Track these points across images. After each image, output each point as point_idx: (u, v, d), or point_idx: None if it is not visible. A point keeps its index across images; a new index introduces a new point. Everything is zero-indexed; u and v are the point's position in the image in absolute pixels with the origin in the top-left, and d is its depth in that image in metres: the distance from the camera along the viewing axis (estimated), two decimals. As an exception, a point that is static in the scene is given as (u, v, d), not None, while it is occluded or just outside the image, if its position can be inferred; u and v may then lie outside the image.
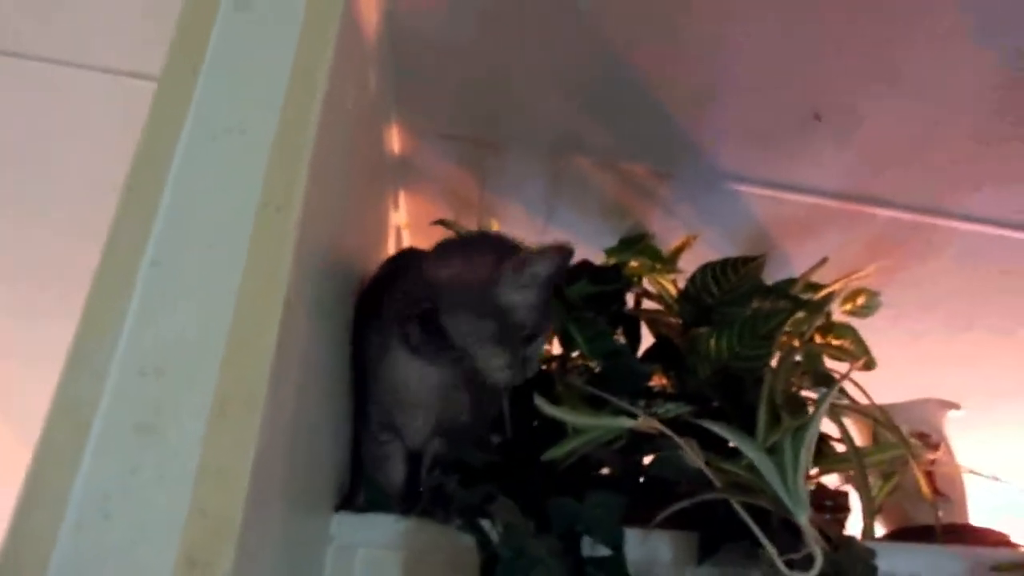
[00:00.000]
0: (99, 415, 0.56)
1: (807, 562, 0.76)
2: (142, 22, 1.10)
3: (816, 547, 0.77)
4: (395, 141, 1.26)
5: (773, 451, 0.81)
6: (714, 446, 0.87)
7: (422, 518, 0.90)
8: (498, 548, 0.78)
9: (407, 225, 1.41)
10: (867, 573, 0.86)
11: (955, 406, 1.31)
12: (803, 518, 0.78)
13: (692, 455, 0.82)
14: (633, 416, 0.85)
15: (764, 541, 0.78)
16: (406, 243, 1.44)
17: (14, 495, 0.54)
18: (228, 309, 0.60)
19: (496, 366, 0.89)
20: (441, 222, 1.22)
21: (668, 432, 0.81)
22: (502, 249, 0.90)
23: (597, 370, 1.07)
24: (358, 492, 0.99)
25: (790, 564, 0.77)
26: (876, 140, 1.17)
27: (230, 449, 0.56)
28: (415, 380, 0.94)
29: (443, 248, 0.96)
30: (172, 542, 0.52)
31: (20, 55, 1.18)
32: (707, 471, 0.83)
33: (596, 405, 0.93)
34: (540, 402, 0.85)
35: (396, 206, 1.37)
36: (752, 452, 0.81)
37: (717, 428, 0.82)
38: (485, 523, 0.83)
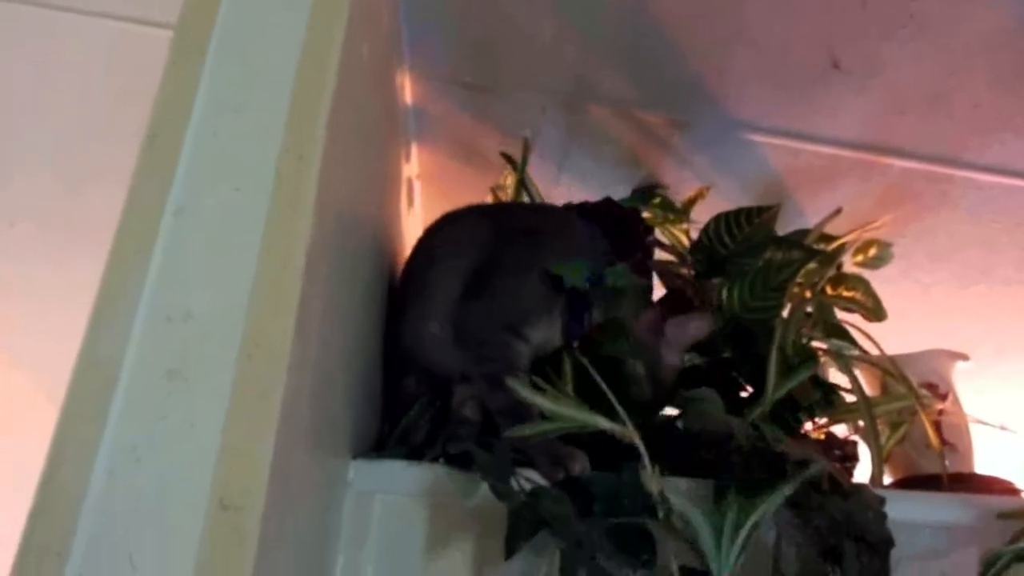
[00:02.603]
0: (127, 362, 0.57)
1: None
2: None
3: None
4: (407, 90, 1.25)
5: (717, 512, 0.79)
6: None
7: (443, 466, 0.91)
8: (552, 531, 0.77)
9: (419, 176, 1.40)
10: (877, 520, 0.87)
11: (964, 357, 1.32)
12: None
13: (648, 480, 0.80)
14: (613, 418, 0.83)
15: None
16: (418, 195, 1.43)
17: (35, 441, 0.54)
18: (252, 254, 0.60)
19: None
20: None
21: (640, 447, 0.80)
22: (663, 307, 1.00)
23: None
24: (385, 439, 1.00)
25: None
26: (895, 88, 1.16)
27: (258, 393, 0.56)
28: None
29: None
30: (204, 486, 0.53)
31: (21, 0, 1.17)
32: (657, 499, 0.81)
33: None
34: (515, 384, 0.84)
35: (408, 157, 1.36)
36: (696, 516, 0.79)
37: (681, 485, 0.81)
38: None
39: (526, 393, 0.83)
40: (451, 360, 0.98)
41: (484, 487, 0.85)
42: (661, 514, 0.77)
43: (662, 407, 0.98)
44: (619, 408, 0.82)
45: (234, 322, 0.58)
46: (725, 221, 1.14)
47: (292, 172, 0.64)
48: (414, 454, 0.97)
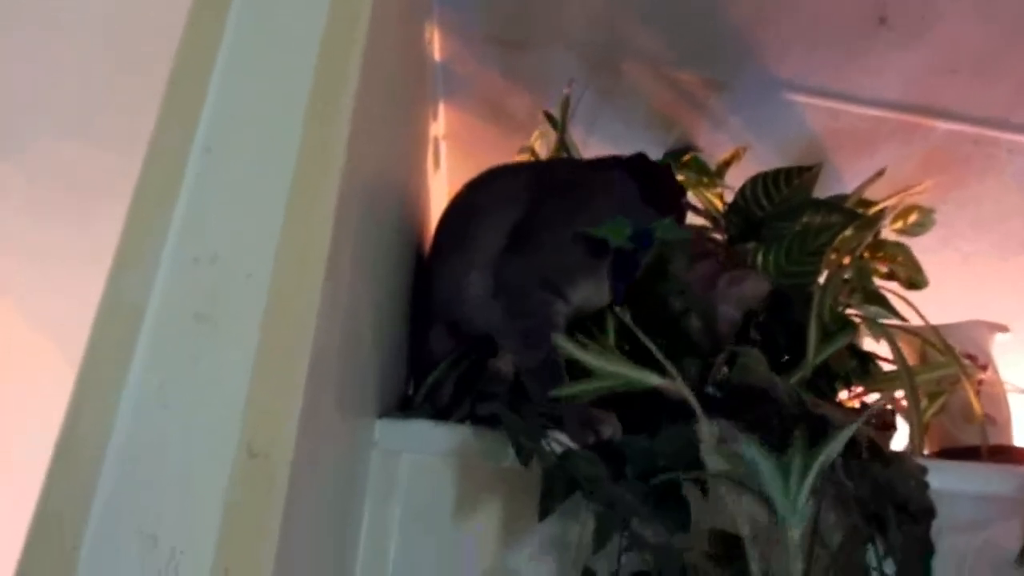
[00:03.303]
0: (152, 304, 0.55)
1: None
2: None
3: (799, 564, 0.72)
4: (435, 47, 1.21)
5: (782, 459, 0.75)
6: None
7: (471, 426, 0.89)
8: (585, 493, 0.76)
9: (445, 136, 1.37)
10: (919, 488, 0.85)
11: (1004, 329, 1.28)
12: (795, 532, 0.73)
13: (705, 429, 0.77)
14: (662, 374, 0.81)
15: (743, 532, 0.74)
16: (444, 155, 1.40)
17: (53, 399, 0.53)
18: (282, 196, 0.58)
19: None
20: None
21: (693, 402, 0.77)
22: (721, 259, 0.99)
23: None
24: (411, 398, 0.99)
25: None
26: (944, 46, 1.11)
27: (287, 338, 0.54)
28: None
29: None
30: (232, 432, 0.52)
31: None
32: (713, 448, 0.78)
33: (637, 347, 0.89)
34: (558, 339, 0.82)
35: (435, 116, 1.33)
36: (761, 459, 0.75)
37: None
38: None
39: (571, 348, 0.81)
40: (488, 315, 0.95)
41: (512, 448, 0.83)
42: (712, 466, 0.74)
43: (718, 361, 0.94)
44: (668, 364, 0.79)
45: (263, 265, 0.56)
46: (763, 182, 1.10)
47: (323, 111, 0.62)
48: (440, 414, 0.96)
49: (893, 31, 1.09)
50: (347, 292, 0.67)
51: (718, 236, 1.18)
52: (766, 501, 0.76)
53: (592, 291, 0.93)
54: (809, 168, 1.09)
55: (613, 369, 0.80)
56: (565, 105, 1.22)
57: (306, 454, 0.56)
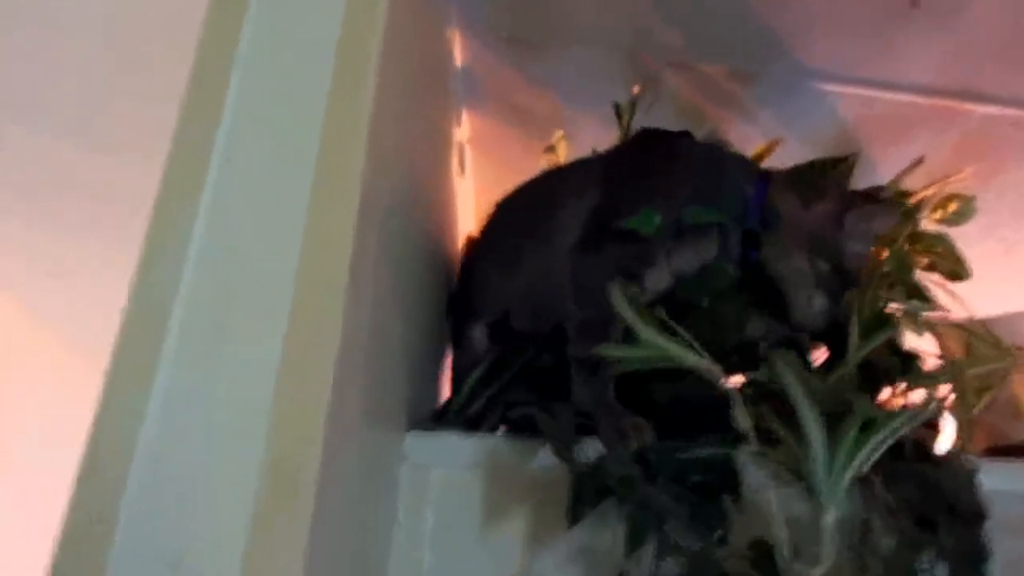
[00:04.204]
0: (176, 313, 0.54)
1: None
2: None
3: (831, 548, 0.71)
4: (457, 51, 1.20)
5: (834, 437, 0.74)
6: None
7: (500, 436, 0.88)
8: (618, 496, 0.75)
9: (470, 141, 1.36)
10: (969, 490, 0.81)
11: (1052, 318, 1.24)
12: (828, 516, 0.72)
13: (742, 417, 0.77)
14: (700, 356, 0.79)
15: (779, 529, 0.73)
16: (469, 161, 1.39)
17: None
18: (302, 206, 0.58)
19: (815, 307, 0.91)
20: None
21: (725, 385, 0.77)
22: (844, 196, 0.95)
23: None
24: (448, 405, 0.98)
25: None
26: (981, 27, 1.07)
27: (312, 348, 0.53)
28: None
29: (786, 177, 0.97)
30: (257, 446, 0.51)
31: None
32: (750, 435, 0.77)
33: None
34: (616, 298, 0.80)
35: (459, 121, 1.32)
36: (810, 426, 0.74)
37: (791, 390, 0.76)
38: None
39: (619, 302, 0.79)
40: (556, 305, 0.93)
41: (542, 457, 0.83)
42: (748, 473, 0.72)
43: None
44: (700, 350, 0.79)
45: (285, 275, 0.56)
46: (801, 174, 1.07)
47: (342, 117, 0.61)
48: (471, 422, 0.94)
49: (926, 14, 1.06)
50: (372, 301, 0.66)
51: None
52: (806, 487, 0.74)
53: (661, 274, 0.91)
54: (844, 159, 1.06)
55: (653, 339, 0.79)
56: (630, 107, 1.20)
57: (333, 467, 0.55)
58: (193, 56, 0.63)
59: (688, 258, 0.91)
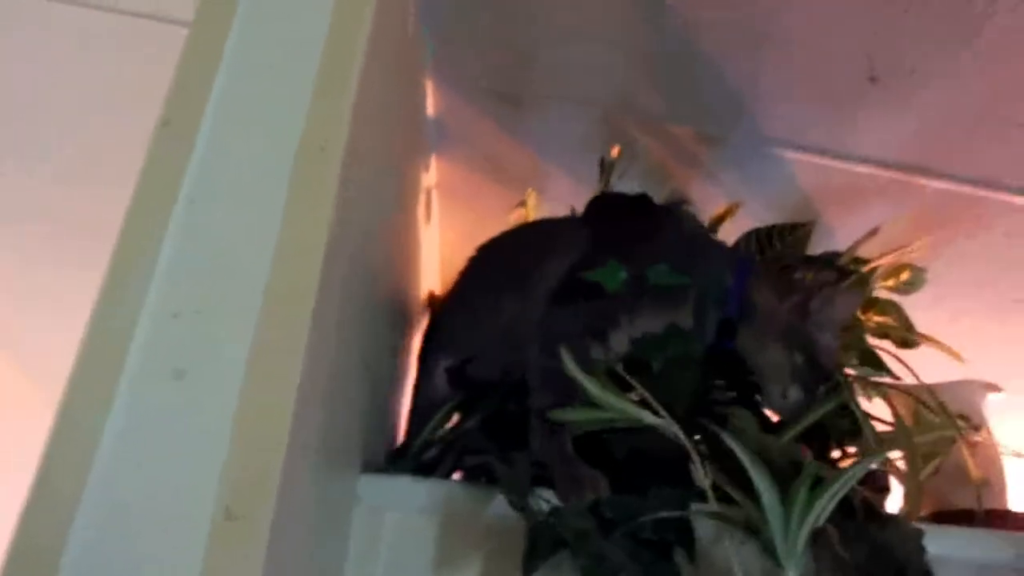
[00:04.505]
0: (131, 358, 0.54)
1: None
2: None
3: None
4: (430, 99, 1.22)
5: (786, 495, 0.76)
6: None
7: (455, 481, 0.88)
8: (572, 549, 0.75)
9: (438, 187, 1.37)
10: (915, 552, 0.83)
11: (996, 388, 1.27)
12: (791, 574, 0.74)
13: (699, 475, 0.79)
14: (656, 414, 0.81)
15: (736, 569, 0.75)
16: (436, 209, 1.40)
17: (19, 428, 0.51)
18: (268, 252, 0.57)
19: (790, 399, 0.92)
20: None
21: (686, 442, 0.78)
22: (808, 285, 0.95)
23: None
24: (409, 446, 0.97)
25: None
26: (935, 106, 1.12)
27: (269, 397, 0.53)
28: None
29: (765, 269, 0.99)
30: (210, 494, 0.50)
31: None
32: (708, 492, 0.79)
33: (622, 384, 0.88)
34: (569, 362, 0.82)
35: (427, 168, 1.33)
36: (763, 487, 0.76)
37: (740, 454, 0.77)
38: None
39: (576, 373, 0.81)
40: (520, 353, 0.93)
41: (497, 503, 0.83)
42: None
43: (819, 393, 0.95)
44: (659, 408, 0.80)
45: (245, 321, 0.55)
46: (756, 237, 1.10)
47: (313, 163, 0.61)
48: (427, 468, 0.94)
49: (883, 90, 1.10)
50: (333, 347, 0.65)
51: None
52: (763, 546, 0.75)
53: (623, 337, 0.92)
54: (803, 225, 1.09)
55: (611, 402, 0.80)
56: (609, 167, 1.22)
57: (286, 514, 0.54)
58: (165, 95, 0.63)
59: (648, 320, 0.92)
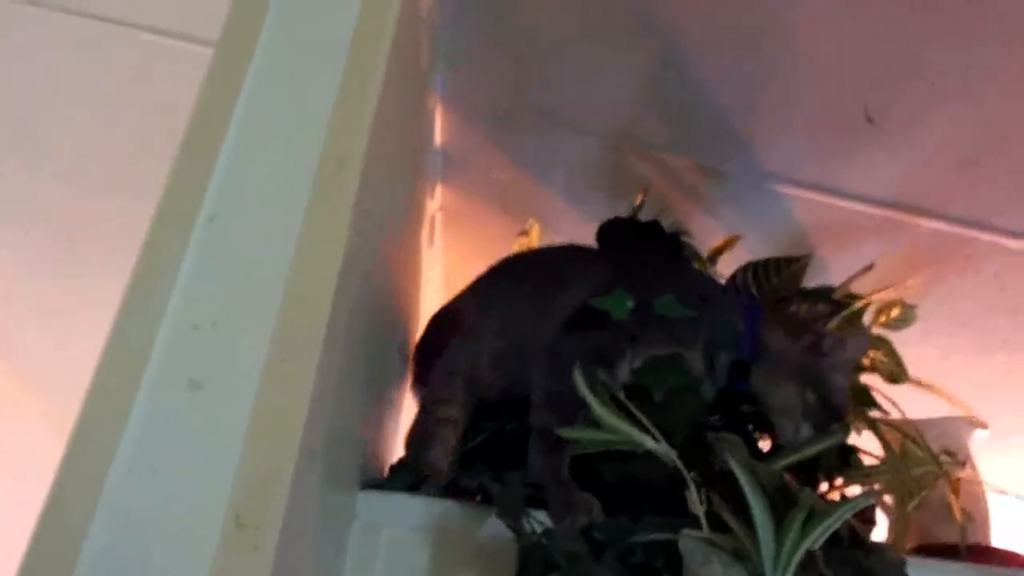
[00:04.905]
0: (150, 368, 0.55)
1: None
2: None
3: None
4: (438, 127, 1.24)
5: (780, 524, 0.77)
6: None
7: (451, 500, 0.89)
8: (563, 571, 0.76)
9: (442, 211, 1.39)
10: (899, 576, 0.84)
11: (983, 425, 1.30)
12: None
13: (693, 502, 0.80)
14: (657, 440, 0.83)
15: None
16: (439, 232, 1.42)
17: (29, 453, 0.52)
18: (284, 268, 0.59)
19: (802, 436, 0.94)
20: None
21: (683, 469, 0.80)
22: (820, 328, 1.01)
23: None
24: (402, 468, 0.98)
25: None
26: (930, 147, 1.15)
27: (282, 409, 0.55)
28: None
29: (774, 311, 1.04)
30: (221, 502, 0.51)
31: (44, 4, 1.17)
32: (702, 519, 0.80)
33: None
34: (580, 382, 0.83)
35: (432, 194, 1.35)
36: (759, 515, 0.77)
37: (740, 475, 0.79)
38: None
39: (581, 387, 0.83)
40: (527, 375, 0.95)
41: (491, 523, 0.84)
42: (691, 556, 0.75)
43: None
44: (656, 432, 0.82)
45: (261, 334, 0.57)
46: (754, 270, 1.13)
47: (330, 184, 0.63)
48: (417, 486, 0.95)
49: (880, 131, 1.13)
50: (340, 362, 0.67)
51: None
52: (752, 571, 0.76)
53: (644, 358, 0.94)
54: (799, 258, 1.12)
55: (615, 424, 0.82)
56: (643, 197, 1.25)
57: (293, 526, 0.55)
58: (188, 118, 0.65)
59: (654, 351, 0.94)
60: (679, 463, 0.80)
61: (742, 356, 0.96)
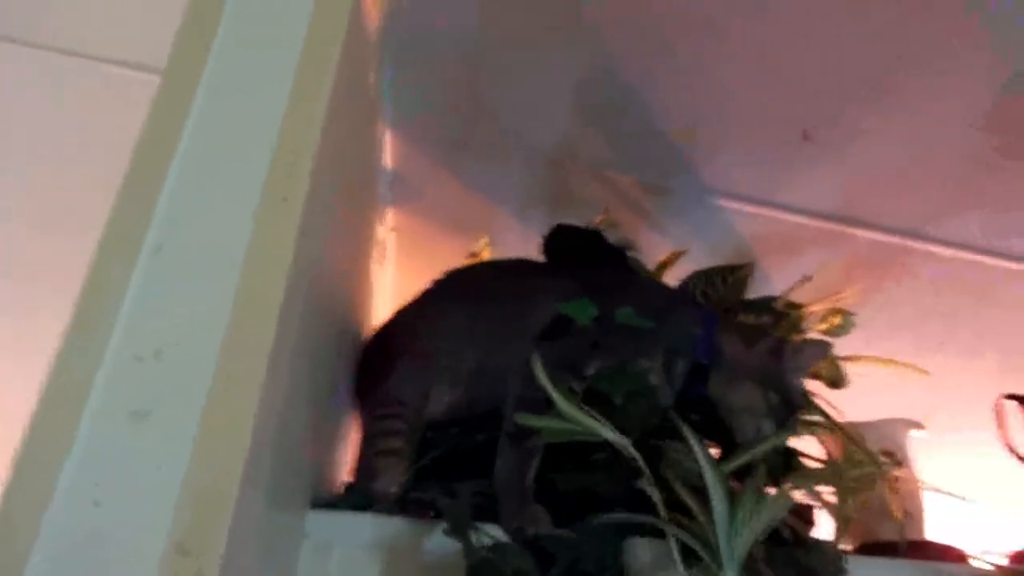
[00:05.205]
0: (92, 399, 0.56)
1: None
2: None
3: None
4: (387, 150, 1.26)
5: (734, 502, 0.81)
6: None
7: (402, 518, 0.90)
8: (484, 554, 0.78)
9: (394, 232, 1.40)
10: (838, 573, 0.88)
11: (919, 426, 1.34)
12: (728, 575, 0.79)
13: (648, 486, 0.83)
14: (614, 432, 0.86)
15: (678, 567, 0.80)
16: (391, 254, 1.43)
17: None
18: (228, 298, 0.60)
19: (764, 433, 0.99)
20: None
21: (637, 458, 0.84)
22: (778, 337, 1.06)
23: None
24: (354, 488, 0.99)
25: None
26: (864, 162, 1.20)
27: (225, 438, 0.56)
28: None
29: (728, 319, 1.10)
30: (163, 530, 0.52)
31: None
32: (659, 504, 0.84)
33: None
34: (541, 376, 0.86)
35: (382, 217, 1.36)
36: (717, 492, 0.81)
37: (698, 454, 0.83)
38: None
39: (546, 383, 0.85)
40: (497, 391, 0.98)
41: (442, 539, 0.84)
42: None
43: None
44: (609, 426, 0.85)
45: (205, 364, 0.58)
46: (703, 279, 1.17)
47: (274, 215, 0.64)
48: (370, 503, 0.96)
49: (816, 146, 1.18)
50: (286, 388, 0.68)
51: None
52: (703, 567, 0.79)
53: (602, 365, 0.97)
54: (743, 266, 1.16)
55: (576, 415, 0.85)
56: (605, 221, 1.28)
57: (237, 550, 0.57)
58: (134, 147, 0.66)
59: (615, 357, 0.97)
60: (636, 454, 0.83)
61: (700, 360, 1.01)
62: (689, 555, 0.82)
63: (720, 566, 0.79)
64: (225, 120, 0.70)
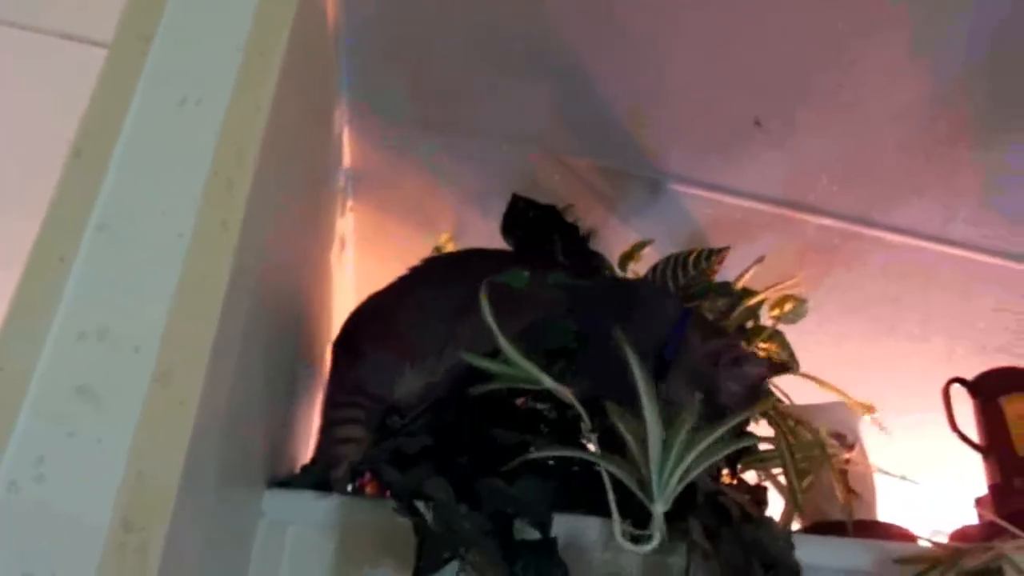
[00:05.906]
0: (36, 377, 0.56)
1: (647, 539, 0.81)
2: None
3: (657, 533, 0.81)
4: (346, 141, 1.26)
5: (667, 440, 0.84)
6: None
7: (355, 497, 0.91)
8: (430, 525, 0.79)
9: (355, 227, 1.41)
10: (785, 549, 0.90)
11: (870, 408, 1.37)
12: (658, 508, 0.82)
13: (585, 425, 0.86)
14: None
15: (612, 507, 0.82)
16: (352, 247, 1.44)
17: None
18: (174, 276, 0.60)
19: None
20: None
21: (576, 405, 0.86)
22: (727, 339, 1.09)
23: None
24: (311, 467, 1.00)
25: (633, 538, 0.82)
26: (813, 149, 1.23)
27: (169, 415, 0.56)
28: None
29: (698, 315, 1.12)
30: (107, 506, 0.53)
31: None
32: (594, 443, 0.87)
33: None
34: (490, 320, 0.87)
35: (343, 212, 1.36)
36: (652, 421, 0.83)
37: (639, 381, 0.84)
38: (420, 504, 0.83)
39: (490, 321, 0.86)
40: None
41: (395, 517, 0.85)
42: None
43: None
44: (551, 379, 0.87)
45: (149, 342, 0.58)
46: (674, 264, 1.20)
47: (220, 196, 0.64)
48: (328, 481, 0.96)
49: (767, 133, 1.20)
50: (236, 367, 0.69)
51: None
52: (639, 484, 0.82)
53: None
54: (719, 250, 1.20)
55: (520, 361, 0.87)
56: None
57: (184, 528, 0.57)
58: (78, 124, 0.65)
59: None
60: (574, 400, 0.85)
61: (666, 355, 1.03)
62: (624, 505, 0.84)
63: (651, 499, 0.82)
64: (172, 100, 0.69)
